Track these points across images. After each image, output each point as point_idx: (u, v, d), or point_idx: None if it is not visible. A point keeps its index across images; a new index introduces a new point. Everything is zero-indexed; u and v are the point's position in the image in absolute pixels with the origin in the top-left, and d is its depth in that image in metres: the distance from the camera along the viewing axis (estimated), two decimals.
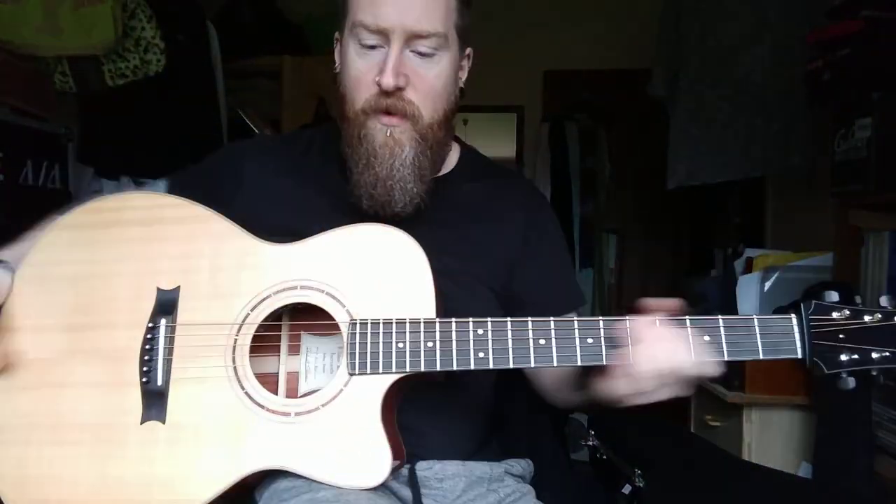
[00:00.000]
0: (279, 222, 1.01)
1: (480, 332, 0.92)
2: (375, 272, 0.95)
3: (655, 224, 3.43)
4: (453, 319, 0.92)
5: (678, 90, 2.98)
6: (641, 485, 2.03)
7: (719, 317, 0.89)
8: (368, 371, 0.92)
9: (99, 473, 0.92)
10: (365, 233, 0.97)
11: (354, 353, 0.92)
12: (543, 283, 1.12)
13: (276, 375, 1.02)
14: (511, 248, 1.10)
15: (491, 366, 0.92)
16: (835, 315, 0.86)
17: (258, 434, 0.91)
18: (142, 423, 0.93)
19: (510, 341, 0.92)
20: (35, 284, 0.98)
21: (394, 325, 0.93)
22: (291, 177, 1.10)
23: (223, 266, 0.97)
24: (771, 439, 2.28)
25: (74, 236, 1.00)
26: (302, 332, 1.04)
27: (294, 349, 1.05)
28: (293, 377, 1.04)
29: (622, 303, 3.71)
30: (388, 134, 1.00)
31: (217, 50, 2.67)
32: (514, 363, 0.92)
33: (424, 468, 1.01)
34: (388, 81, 0.97)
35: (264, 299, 0.96)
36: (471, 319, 0.93)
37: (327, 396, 0.92)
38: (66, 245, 1.00)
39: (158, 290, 0.97)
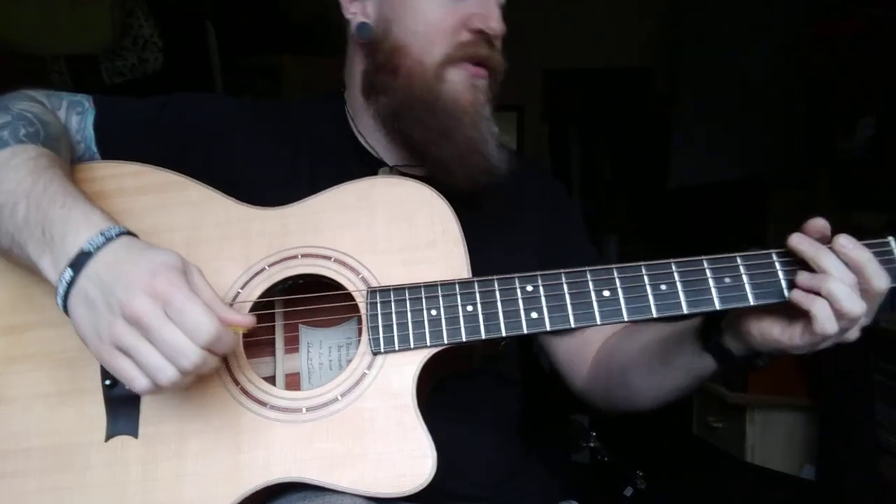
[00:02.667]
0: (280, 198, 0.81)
1: (530, 288, 0.75)
2: (391, 232, 0.78)
3: (656, 224, 3.32)
4: (494, 277, 0.75)
5: (679, 90, 2.97)
6: (644, 487, 1.89)
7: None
8: (397, 347, 0.73)
9: None
10: (373, 187, 0.80)
11: (377, 327, 0.74)
12: (576, 255, 0.97)
13: (273, 379, 0.84)
14: (539, 233, 0.98)
15: (548, 327, 0.74)
16: None
17: (262, 439, 0.71)
18: (107, 440, 0.71)
19: (567, 296, 0.75)
20: None
21: (423, 290, 0.75)
22: (291, 146, 0.90)
23: (202, 239, 0.78)
24: (774, 441, 2.19)
25: None
26: (300, 325, 0.85)
27: (291, 348, 0.86)
28: (293, 380, 0.85)
29: None
30: (476, 87, 0.85)
31: (215, 48, 2.58)
32: (575, 321, 0.74)
33: None
34: (496, 26, 0.84)
35: (257, 273, 0.77)
36: (516, 275, 0.76)
37: (347, 384, 0.73)
38: None
39: None
